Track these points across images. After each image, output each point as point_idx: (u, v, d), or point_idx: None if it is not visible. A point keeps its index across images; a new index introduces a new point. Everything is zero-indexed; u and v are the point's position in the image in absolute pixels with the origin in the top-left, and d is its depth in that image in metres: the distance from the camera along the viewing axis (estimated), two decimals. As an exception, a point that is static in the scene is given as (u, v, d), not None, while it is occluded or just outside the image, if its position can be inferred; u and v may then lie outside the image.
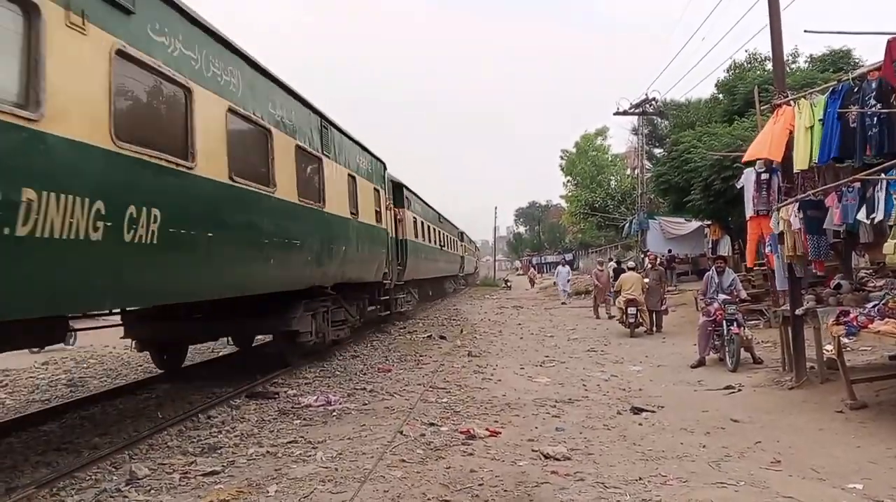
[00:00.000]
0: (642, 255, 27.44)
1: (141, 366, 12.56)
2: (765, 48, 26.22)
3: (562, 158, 55.98)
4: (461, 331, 17.96)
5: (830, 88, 8.09)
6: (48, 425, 7.91)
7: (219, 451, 6.51)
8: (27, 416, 8.19)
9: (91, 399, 9.26)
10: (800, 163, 8.33)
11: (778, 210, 9.10)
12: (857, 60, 21.97)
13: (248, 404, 8.73)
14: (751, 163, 10.02)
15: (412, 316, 22.50)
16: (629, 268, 18.39)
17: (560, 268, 33.19)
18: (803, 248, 8.58)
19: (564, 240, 76.47)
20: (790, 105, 8.69)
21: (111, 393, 9.63)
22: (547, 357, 13.04)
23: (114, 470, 6.02)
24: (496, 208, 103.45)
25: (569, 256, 67.04)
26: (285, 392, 9.40)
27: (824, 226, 8.22)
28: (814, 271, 9.72)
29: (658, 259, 23.46)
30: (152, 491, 5.39)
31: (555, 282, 33.32)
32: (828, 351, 8.92)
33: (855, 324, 7.41)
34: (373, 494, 5.11)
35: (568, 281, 31.56)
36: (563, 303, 28.64)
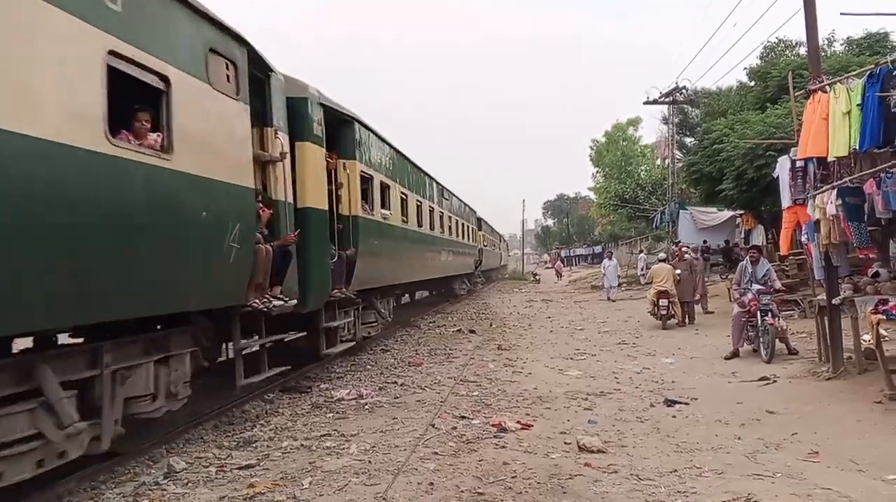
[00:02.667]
0: (674, 246, 26.99)
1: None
2: (799, 33, 25.71)
3: (591, 148, 55.28)
4: (490, 325, 17.95)
5: (868, 72, 7.89)
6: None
7: (254, 445, 6.60)
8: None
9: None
10: (837, 149, 8.12)
11: (814, 197, 8.92)
12: (894, 43, 21.42)
13: (282, 398, 8.83)
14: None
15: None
16: (660, 260, 18.20)
17: (606, 261, 28.36)
18: (847, 236, 8.39)
19: (594, 232, 75.90)
20: (825, 91, 8.49)
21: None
22: (577, 350, 12.98)
23: (152, 463, 6.13)
24: (524, 201, 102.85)
25: (598, 248, 66.49)
26: (318, 386, 9.49)
27: (875, 215, 8.02)
28: (859, 257, 9.51)
29: (686, 250, 22.61)
30: (189, 484, 5.48)
31: (603, 278, 27.89)
32: (866, 340, 8.74)
33: (894, 312, 7.26)
34: (406, 486, 5.14)
35: (618, 276, 28.11)
36: (611, 300, 25.56)
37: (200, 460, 6.14)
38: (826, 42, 24.41)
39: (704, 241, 29.01)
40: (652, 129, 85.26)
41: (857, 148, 7.71)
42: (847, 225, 8.22)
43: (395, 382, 9.62)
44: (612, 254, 30.91)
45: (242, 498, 5.05)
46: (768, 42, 26.45)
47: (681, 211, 30.72)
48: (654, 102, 33.27)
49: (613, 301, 25.47)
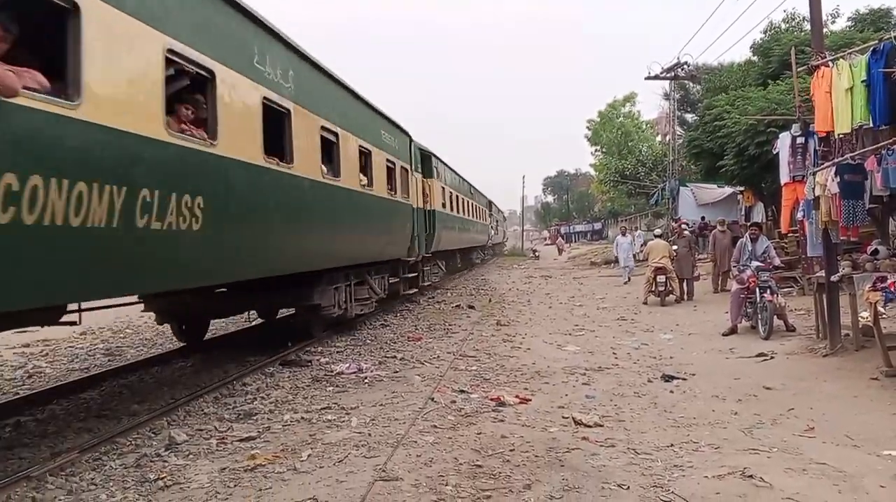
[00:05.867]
0: (673, 223, 26.87)
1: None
2: (803, 8, 25.45)
3: (588, 128, 55.03)
4: (490, 301, 18.00)
5: (871, 48, 7.82)
6: (88, 393, 8.12)
7: (254, 417, 6.65)
8: (68, 384, 8.42)
9: (129, 367, 9.47)
10: (840, 126, 8.08)
11: (814, 174, 8.90)
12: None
13: (282, 372, 8.88)
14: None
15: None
16: (656, 236, 18.19)
17: (620, 237, 25.52)
18: (837, 214, 8.39)
19: (593, 208, 75.82)
20: (828, 66, 8.43)
21: (148, 362, 9.85)
22: (576, 326, 13.03)
23: (153, 435, 6.18)
24: (524, 177, 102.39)
25: (597, 225, 66.39)
26: (318, 360, 9.54)
27: (872, 192, 8.01)
28: (847, 237, 9.51)
29: (685, 226, 22.16)
30: (191, 456, 5.53)
31: (615, 259, 25.76)
32: (863, 317, 8.78)
33: (893, 289, 7.29)
34: (405, 459, 5.19)
35: (633, 255, 24.57)
36: (626, 282, 22.20)
37: (201, 432, 6.19)
38: (829, 17, 24.21)
39: (703, 218, 28.88)
40: (650, 104, 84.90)
41: (872, 125, 7.66)
42: (840, 203, 8.22)
43: (395, 356, 9.67)
44: (626, 229, 27.88)
45: (243, 469, 5.09)
46: (770, 27, 26.23)
47: (681, 187, 30.64)
48: (656, 78, 33.01)
49: (630, 281, 22.13)
